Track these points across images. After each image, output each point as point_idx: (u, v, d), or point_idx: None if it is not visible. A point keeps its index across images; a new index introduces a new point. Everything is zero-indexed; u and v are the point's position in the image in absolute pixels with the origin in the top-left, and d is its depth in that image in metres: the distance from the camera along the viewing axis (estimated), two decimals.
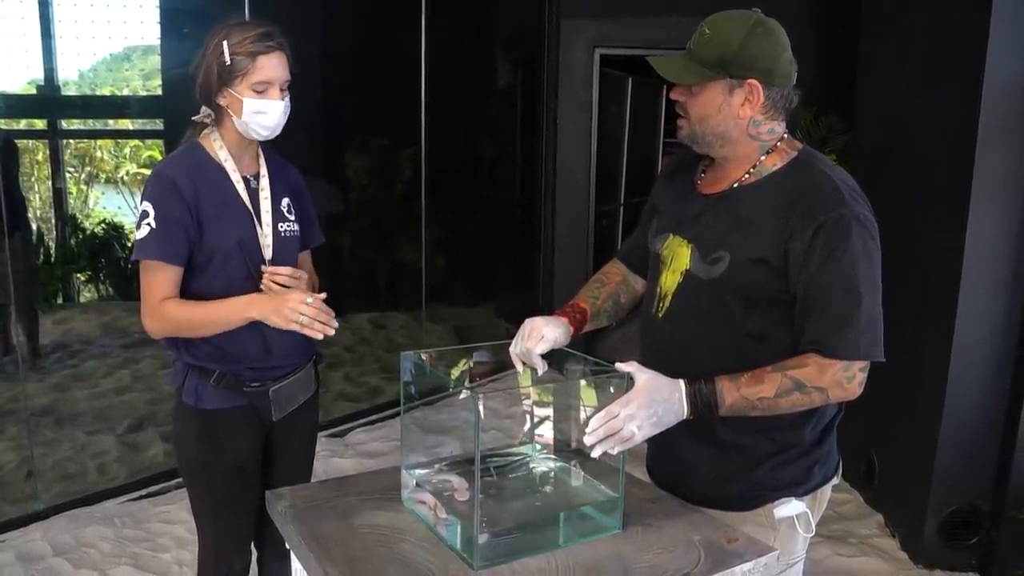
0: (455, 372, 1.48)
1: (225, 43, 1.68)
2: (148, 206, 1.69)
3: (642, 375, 1.31)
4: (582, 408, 1.41)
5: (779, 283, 1.37)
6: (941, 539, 2.85)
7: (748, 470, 1.47)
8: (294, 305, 1.66)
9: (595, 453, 1.29)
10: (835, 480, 1.55)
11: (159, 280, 1.71)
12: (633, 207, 5.78)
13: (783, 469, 1.47)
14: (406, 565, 1.24)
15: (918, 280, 2.89)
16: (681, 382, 1.33)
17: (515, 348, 1.50)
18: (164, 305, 1.71)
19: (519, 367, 1.51)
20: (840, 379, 1.34)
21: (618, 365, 1.33)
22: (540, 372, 1.49)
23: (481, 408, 1.22)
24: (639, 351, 1.54)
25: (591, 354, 1.45)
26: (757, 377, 1.34)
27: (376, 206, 5.08)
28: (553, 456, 1.54)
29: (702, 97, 1.41)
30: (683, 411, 1.33)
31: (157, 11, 3.95)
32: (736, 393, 1.33)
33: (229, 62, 1.69)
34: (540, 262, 5.10)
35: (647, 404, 1.29)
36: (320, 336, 1.68)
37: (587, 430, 1.29)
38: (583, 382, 1.45)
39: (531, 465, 1.54)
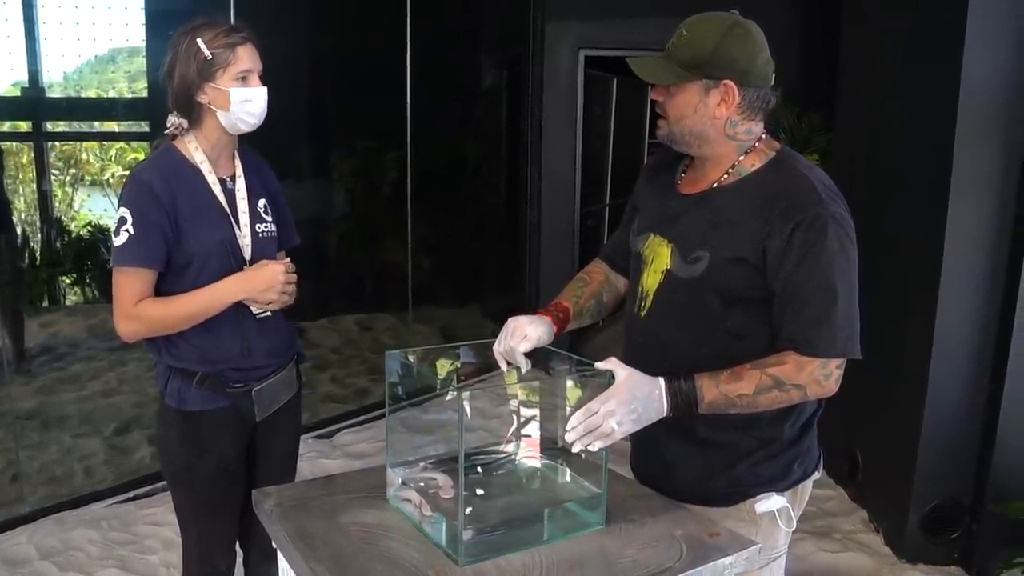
0: (441, 371, 1.49)
1: (200, 40, 1.69)
2: (126, 212, 1.69)
3: (622, 372, 1.33)
4: (566, 406, 1.42)
5: (758, 282, 1.39)
6: (924, 534, 2.88)
7: (729, 467, 1.49)
8: (273, 282, 1.74)
9: (575, 449, 1.31)
10: (816, 475, 1.58)
11: (134, 283, 1.71)
12: (618, 208, 5.75)
13: (764, 465, 1.49)
14: (392, 562, 1.25)
15: (899, 278, 2.92)
16: (661, 379, 1.35)
17: (499, 346, 1.52)
18: (140, 307, 1.71)
19: (503, 365, 1.52)
20: (818, 376, 1.37)
21: (598, 364, 1.35)
22: (524, 370, 1.50)
23: (467, 407, 1.23)
24: (622, 350, 1.56)
25: (576, 353, 1.47)
26: (736, 374, 1.36)
27: (362, 208, 5.08)
28: (538, 454, 1.55)
29: (679, 97, 1.43)
30: (663, 408, 1.34)
31: (142, 13, 3.92)
32: (716, 390, 1.35)
33: (210, 56, 1.69)
34: (526, 263, 5.11)
35: (627, 401, 1.31)
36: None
37: (567, 427, 1.31)
38: (569, 381, 1.46)
39: (516, 463, 1.55)
